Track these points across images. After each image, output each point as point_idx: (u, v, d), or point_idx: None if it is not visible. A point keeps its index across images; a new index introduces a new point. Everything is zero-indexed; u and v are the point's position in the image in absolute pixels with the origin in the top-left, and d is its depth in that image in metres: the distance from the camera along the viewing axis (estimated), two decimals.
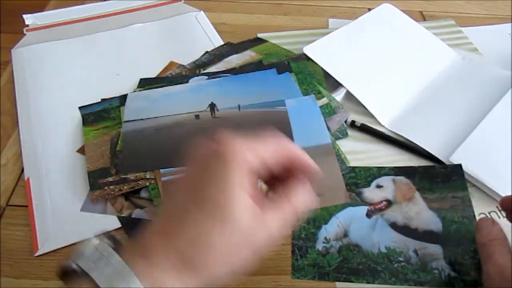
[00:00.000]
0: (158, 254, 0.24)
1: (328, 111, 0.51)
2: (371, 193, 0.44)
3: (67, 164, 0.47)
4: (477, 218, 0.42)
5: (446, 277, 0.38)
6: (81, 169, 0.46)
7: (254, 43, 0.62)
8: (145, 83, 0.55)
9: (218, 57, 0.60)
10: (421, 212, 0.42)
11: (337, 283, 0.38)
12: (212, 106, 0.51)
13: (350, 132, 0.51)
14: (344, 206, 0.43)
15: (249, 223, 0.25)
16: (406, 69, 0.57)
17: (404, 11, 0.63)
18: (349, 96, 0.53)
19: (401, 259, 0.39)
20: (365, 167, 0.46)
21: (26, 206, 0.43)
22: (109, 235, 0.27)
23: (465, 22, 0.68)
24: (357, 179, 0.45)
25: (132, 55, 0.61)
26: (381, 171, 0.45)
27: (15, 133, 0.51)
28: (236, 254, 0.25)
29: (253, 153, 0.27)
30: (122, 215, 0.43)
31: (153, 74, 0.57)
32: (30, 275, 0.38)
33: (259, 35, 0.64)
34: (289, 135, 0.47)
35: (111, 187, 0.44)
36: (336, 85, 0.54)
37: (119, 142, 0.48)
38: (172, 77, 0.57)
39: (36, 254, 0.40)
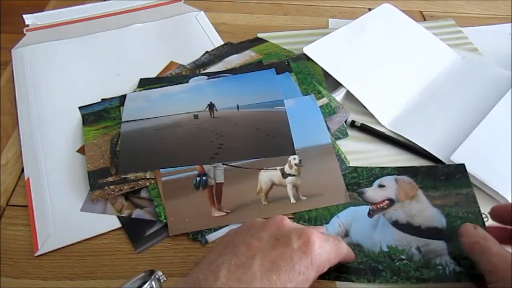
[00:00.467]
0: None
1: (328, 111, 0.51)
2: (373, 192, 0.44)
3: (67, 164, 0.47)
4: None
5: (450, 272, 0.37)
6: (81, 169, 0.46)
7: (254, 43, 0.62)
8: (145, 83, 0.55)
9: (218, 57, 0.60)
10: (424, 210, 0.42)
11: (337, 282, 0.38)
12: (211, 106, 0.51)
13: (350, 132, 0.51)
14: (345, 206, 0.43)
15: None
16: (406, 69, 0.57)
17: (404, 11, 0.63)
18: (349, 96, 0.53)
19: (403, 257, 0.39)
20: (367, 167, 0.46)
21: (26, 206, 0.43)
22: (152, 275, 0.30)
23: (465, 22, 0.68)
24: (359, 179, 0.45)
25: (132, 55, 0.61)
26: (383, 171, 0.45)
27: (15, 133, 0.51)
28: None
29: (334, 257, 0.33)
30: (122, 215, 0.43)
31: (153, 74, 0.57)
32: (30, 275, 0.38)
33: (259, 35, 0.64)
34: (288, 135, 0.47)
35: (111, 187, 0.44)
36: (336, 85, 0.54)
37: (119, 142, 0.48)
38: (172, 77, 0.57)
39: (36, 254, 0.40)
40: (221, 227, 0.42)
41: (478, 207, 0.42)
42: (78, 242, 0.41)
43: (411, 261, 0.38)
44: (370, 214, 0.42)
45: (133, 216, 0.43)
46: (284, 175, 0.45)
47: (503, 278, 0.31)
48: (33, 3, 0.70)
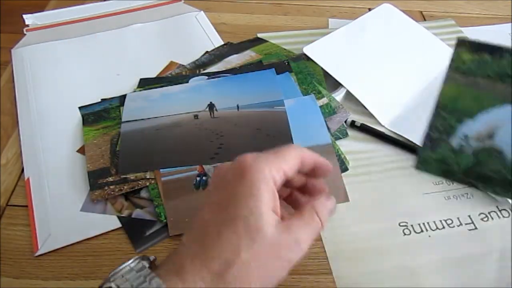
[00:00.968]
0: (194, 276, 0.25)
1: (328, 111, 0.51)
2: None
3: (67, 164, 0.47)
4: (477, 218, 0.42)
5: None
6: (81, 169, 0.46)
7: (254, 43, 0.62)
8: (145, 83, 0.55)
9: (218, 57, 0.60)
10: None
11: (334, 273, 0.38)
12: (211, 106, 0.51)
13: (350, 132, 0.51)
14: (503, 103, 0.35)
15: (279, 238, 0.27)
16: (406, 69, 0.57)
17: (404, 11, 0.63)
18: (349, 96, 0.53)
19: None
20: None
21: (26, 206, 0.43)
22: (143, 257, 0.28)
23: (465, 22, 0.68)
24: None
25: (132, 55, 0.61)
26: None
27: (15, 133, 0.51)
28: (269, 269, 0.26)
29: (275, 168, 0.28)
30: (122, 215, 0.43)
31: (153, 74, 0.57)
32: (30, 275, 0.38)
33: (259, 35, 0.64)
34: (288, 135, 0.47)
35: (111, 187, 0.44)
36: (336, 85, 0.54)
37: (119, 142, 0.48)
38: (172, 77, 0.57)
39: (36, 254, 0.40)
40: None
41: None
42: (78, 242, 0.41)
43: None
44: None
45: (133, 216, 0.43)
46: None
47: None
48: (33, 3, 0.70)
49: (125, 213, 0.43)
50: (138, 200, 0.44)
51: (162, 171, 0.45)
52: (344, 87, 0.53)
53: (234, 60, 0.59)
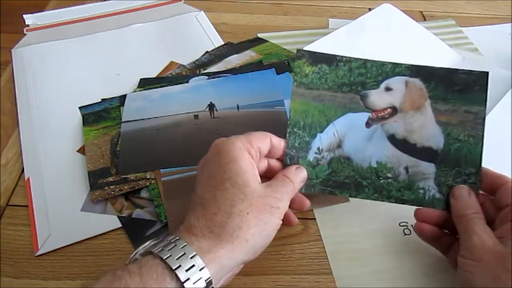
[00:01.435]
0: (202, 229, 0.31)
1: None
2: (377, 97, 0.40)
3: (67, 164, 0.47)
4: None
5: (430, 198, 0.38)
6: (81, 169, 0.46)
7: (254, 43, 0.62)
8: (145, 83, 0.55)
9: (218, 57, 0.60)
10: (425, 125, 0.39)
11: (336, 274, 0.38)
12: (211, 106, 0.51)
13: None
14: (344, 112, 0.40)
15: (264, 191, 0.33)
16: None
17: (404, 11, 0.63)
18: None
19: (389, 175, 0.38)
20: (378, 61, 0.41)
21: (26, 206, 0.43)
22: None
23: (465, 22, 0.68)
24: (367, 77, 0.40)
25: (132, 55, 0.61)
26: (395, 69, 0.40)
27: (15, 133, 0.51)
28: (263, 217, 0.32)
29: (246, 141, 0.34)
30: (122, 215, 0.43)
31: (153, 74, 0.57)
32: (30, 275, 0.38)
33: (259, 35, 0.64)
34: None
35: (111, 187, 0.44)
36: None
37: (119, 142, 0.48)
38: (172, 77, 0.57)
39: (36, 254, 0.40)
40: None
41: (482, 131, 0.38)
42: (78, 242, 0.41)
43: (396, 181, 0.38)
44: (368, 123, 0.40)
45: (133, 216, 0.43)
46: None
47: (475, 259, 0.32)
48: (33, 3, 0.70)
49: (125, 213, 0.43)
50: (138, 200, 0.44)
51: (162, 171, 0.45)
52: None
53: (234, 60, 0.59)
